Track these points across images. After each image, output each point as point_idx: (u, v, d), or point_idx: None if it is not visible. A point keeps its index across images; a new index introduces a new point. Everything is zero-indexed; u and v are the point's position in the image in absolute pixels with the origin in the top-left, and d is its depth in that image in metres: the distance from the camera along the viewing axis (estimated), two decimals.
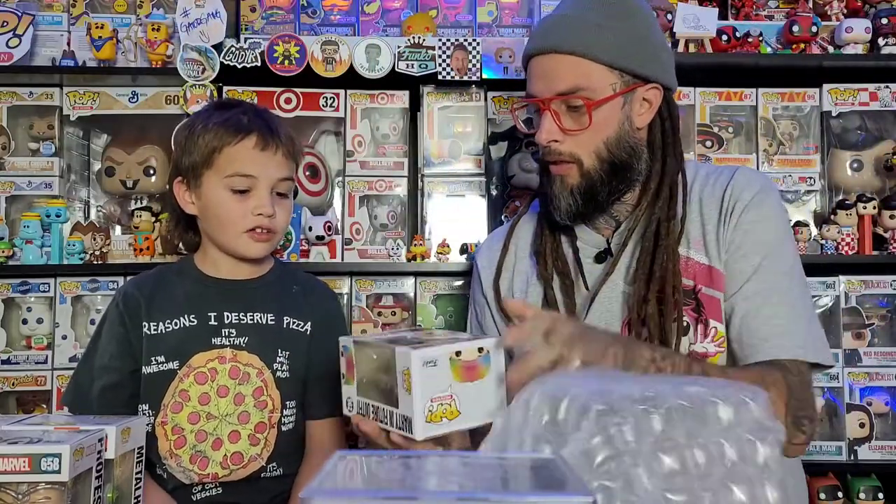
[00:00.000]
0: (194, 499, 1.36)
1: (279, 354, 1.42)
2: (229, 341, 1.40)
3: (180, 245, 1.53)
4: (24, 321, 1.95)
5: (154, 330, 1.39)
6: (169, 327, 1.40)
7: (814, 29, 1.97)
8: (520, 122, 1.43)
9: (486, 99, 1.99)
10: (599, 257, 1.36)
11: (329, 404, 1.42)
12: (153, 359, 1.38)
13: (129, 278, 1.68)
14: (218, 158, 1.38)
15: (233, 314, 1.42)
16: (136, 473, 1.05)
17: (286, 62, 1.89)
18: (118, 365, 1.39)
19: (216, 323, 1.40)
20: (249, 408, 1.38)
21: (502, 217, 1.99)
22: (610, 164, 1.29)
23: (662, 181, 1.31)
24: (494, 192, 2.01)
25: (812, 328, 1.26)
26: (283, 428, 1.40)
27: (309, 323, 1.46)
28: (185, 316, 1.40)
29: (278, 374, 1.41)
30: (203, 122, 1.41)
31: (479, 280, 1.51)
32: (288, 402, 1.41)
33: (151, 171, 1.99)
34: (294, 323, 1.45)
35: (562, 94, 1.27)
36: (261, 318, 1.43)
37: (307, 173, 1.96)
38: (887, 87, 1.99)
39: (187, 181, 1.42)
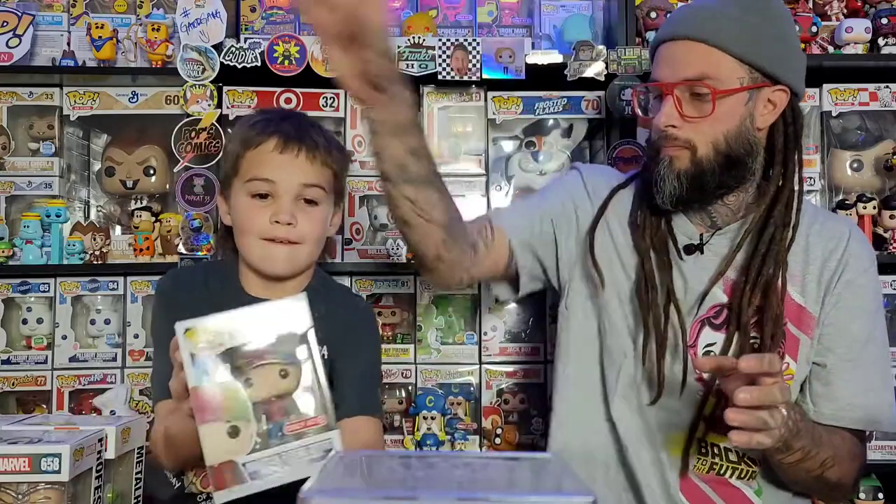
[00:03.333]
0: None
1: None
2: None
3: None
4: (24, 321, 1.95)
5: None
6: None
7: (814, 29, 1.97)
8: (637, 106, 1.40)
9: (486, 99, 1.98)
10: (689, 249, 1.33)
11: (358, 400, 1.34)
12: None
13: (174, 271, 1.59)
14: (241, 164, 1.32)
15: None
16: (136, 473, 1.05)
17: (286, 62, 1.89)
18: None
19: None
20: None
21: None
22: (726, 156, 1.27)
23: (784, 186, 1.28)
24: (495, 193, 2.01)
25: (893, 397, 1.32)
26: None
27: (325, 347, 1.29)
28: None
29: None
30: (235, 130, 1.38)
31: (587, 189, 1.43)
32: None
33: (151, 171, 1.99)
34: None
35: (688, 80, 1.25)
36: None
37: None
38: (887, 87, 1.98)
39: (224, 192, 1.39)
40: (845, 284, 1.29)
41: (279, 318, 0.98)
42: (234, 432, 0.95)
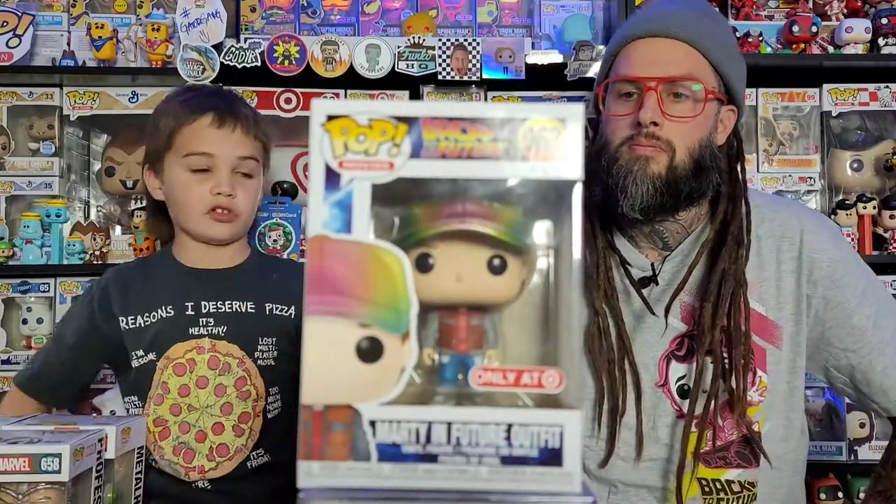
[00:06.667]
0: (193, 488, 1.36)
1: (261, 342, 1.40)
2: (207, 331, 1.39)
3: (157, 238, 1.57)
4: (24, 321, 1.95)
5: (132, 324, 1.39)
6: (147, 320, 1.39)
7: (814, 29, 1.97)
8: (602, 103, 1.28)
9: (486, 99, 1.98)
10: (644, 282, 1.27)
11: None
12: (134, 353, 1.38)
13: (111, 268, 1.59)
14: (177, 139, 1.38)
15: (210, 303, 1.40)
16: (136, 473, 1.05)
17: (286, 62, 1.89)
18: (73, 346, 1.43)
19: (193, 313, 1.39)
20: (232, 398, 1.36)
21: None
22: (697, 163, 1.21)
23: (736, 203, 1.24)
24: None
25: None
26: (269, 415, 1.39)
27: (293, 307, 1.44)
28: (162, 307, 1.39)
29: (260, 362, 1.39)
30: (164, 106, 1.43)
31: None
32: (271, 389, 1.39)
33: None
34: (277, 308, 1.43)
35: (676, 78, 1.20)
36: (240, 306, 1.42)
37: (307, 173, 1.96)
38: (887, 87, 1.99)
39: (153, 167, 1.43)
40: (826, 285, 1.24)
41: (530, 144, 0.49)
42: (371, 348, 0.50)
